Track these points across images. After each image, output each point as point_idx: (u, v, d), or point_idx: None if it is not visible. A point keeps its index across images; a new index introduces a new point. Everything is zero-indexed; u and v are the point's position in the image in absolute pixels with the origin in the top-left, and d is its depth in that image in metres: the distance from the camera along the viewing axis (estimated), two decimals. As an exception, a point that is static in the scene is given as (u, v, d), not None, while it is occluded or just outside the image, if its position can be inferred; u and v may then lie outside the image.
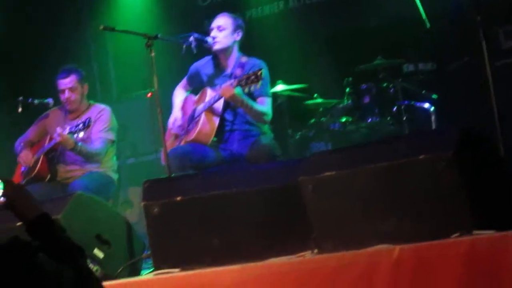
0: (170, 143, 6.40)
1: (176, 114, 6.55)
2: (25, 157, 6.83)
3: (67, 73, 6.81)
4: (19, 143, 7.00)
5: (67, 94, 6.79)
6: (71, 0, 10.06)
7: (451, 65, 7.70)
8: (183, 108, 6.59)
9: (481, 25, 4.78)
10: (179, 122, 6.48)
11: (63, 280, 2.60)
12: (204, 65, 6.54)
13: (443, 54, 7.84)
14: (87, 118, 6.26)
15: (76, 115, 6.88)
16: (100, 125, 6.74)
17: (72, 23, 9.91)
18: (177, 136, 6.48)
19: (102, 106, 6.99)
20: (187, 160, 6.02)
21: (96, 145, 6.68)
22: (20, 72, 9.04)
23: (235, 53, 6.42)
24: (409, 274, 3.66)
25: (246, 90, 5.91)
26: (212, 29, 6.39)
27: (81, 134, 6.29)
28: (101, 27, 6.26)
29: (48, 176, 6.71)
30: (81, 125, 6.23)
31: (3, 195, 2.98)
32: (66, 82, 6.79)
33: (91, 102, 7.01)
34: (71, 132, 6.29)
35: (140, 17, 9.79)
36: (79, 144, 6.43)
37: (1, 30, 9.15)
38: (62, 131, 6.31)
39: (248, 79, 5.81)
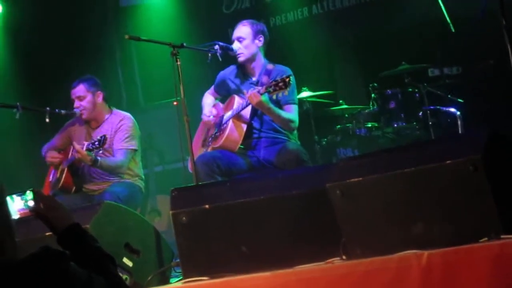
0: (197, 150, 6.40)
1: (210, 109, 6.56)
2: (51, 156, 6.89)
3: (76, 83, 6.91)
4: (45, 149, 7.04)
5: (76, 103, 6.87)
6: (97, 10, 10.11)
7: (476, 69, 7.67)
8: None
9: (506, 28, 4.75)
10: (214, 112, 6.49)
11: (95, 289, 2.61)
12: (230, 73, 6.54)
13: (468, 58, 7.81)
14: (102, 136, 6.26)
15: (97, 124, 6.93)
16: (121, 135, 6.75)
17: (98, 33, 9.97)
18: (204, 144, 6.49)
19: (122, 114, 7.00)
20: (215, 166, 6.02)
21: (118, 157, 6.70)
22: (48, 82, 9.12)
23: (261, 60, 6.41)
24: (438, 279, 3.65)
25: (274, 97, 5.90)
26: (233, 41, 6.40)
27: (99, 152, 6.34)
28: (127, 36, 6.27)
29: (73, 188, 6.75)
30: (96, 143, 6.24)
31: (34, 205, 3.00)
32: (75, 91, 6.88)
33: (113, 108, 7.04)
34: (89, 149, 6.31)
35: (165, 25, 9.82)
36: (99, 159, 6.44)
37: (33, 40, 9.28)
38: (80, 148, 6.35)
39: (276, 86, 5.78)
